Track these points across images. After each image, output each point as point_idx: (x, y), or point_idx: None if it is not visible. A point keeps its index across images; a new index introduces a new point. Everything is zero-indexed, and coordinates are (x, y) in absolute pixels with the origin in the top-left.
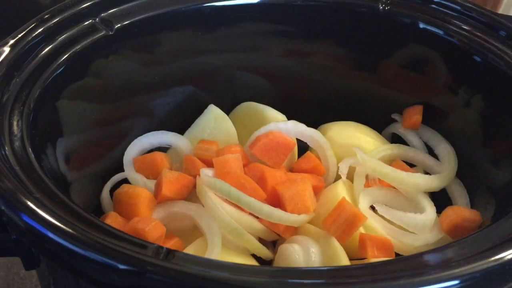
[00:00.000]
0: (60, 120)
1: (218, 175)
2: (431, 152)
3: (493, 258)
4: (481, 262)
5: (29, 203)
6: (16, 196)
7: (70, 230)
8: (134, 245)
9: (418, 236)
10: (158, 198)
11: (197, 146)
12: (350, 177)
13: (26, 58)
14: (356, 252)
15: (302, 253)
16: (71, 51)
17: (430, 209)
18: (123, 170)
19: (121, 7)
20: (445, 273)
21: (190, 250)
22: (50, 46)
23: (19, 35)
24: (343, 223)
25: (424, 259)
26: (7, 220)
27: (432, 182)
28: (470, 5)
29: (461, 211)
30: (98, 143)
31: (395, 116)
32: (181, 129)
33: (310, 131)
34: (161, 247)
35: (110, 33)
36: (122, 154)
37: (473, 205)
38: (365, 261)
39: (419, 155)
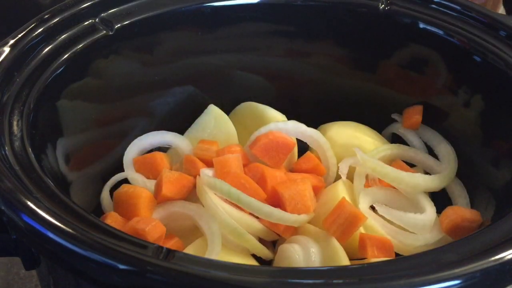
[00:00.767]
0: (60, 120)
1: (218, 175)
2: (431, 152)
3: (493, 258)
4: (481, 262)
5: (29, 203)
6: (16, 196)
7: (70, 230)
8: (134, 245)
9: (418, 236)
10: (158, 198)
11: (197, 146)
12: (350, 177)
13: (26, 58)
14: (356, 252)
15: (302, 253)
16: (71, 51)
17: (430, 209)
18: (123, 170)
19: (121, 7)
20: (445, 273)
21: (190, 250)
22: (50, 46)
23: (19, 35)
24: (343, 223)
25: (424, 259)
26: (7, 220)
27: (432, 182)
28: (470, 5)
29: (461, 211)
30: (98, 143)
31: (395, 116)
32: (181, 129)
33: (310, 131)
34: (161, 247)
35: (110, 33)
36: (122, 154)
37: (473, 205)
38: (365, 261)
39: (419, 155)
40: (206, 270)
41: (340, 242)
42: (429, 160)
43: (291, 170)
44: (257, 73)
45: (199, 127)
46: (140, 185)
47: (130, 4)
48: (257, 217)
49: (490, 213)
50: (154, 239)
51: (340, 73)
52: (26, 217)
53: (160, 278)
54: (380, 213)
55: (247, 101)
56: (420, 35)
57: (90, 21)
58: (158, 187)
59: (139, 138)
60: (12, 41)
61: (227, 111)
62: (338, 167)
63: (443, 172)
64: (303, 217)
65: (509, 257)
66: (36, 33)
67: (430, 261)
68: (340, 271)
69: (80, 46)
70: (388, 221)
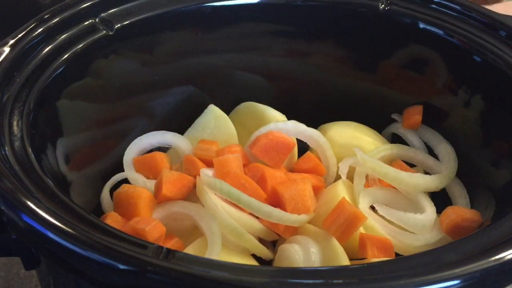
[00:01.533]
0: (60, 120)
1: (218, 175)
2: (431, 152)
3: (493, 258)
4: (481, 262)
5: (29, 203)
6: (16, 196)
7: (70, 230)
8: (134, 245)
9: (418, 236)
10: (158, 198)
11: (197, 146)
12: (350, 177)
13: (26, 58)
14: (356, 252)
15: (302, 253)
16: (71, 51)
17: (430, 209)
18: (123, 170)
19: (121, 7)
20: (445, 273)
21: (190, 250)
22: (50, 46)
23: (19, 35)
24: (343, 223)
25: (424, 259)
26: (7, 220)
27: (432, 182)
28: (470, 5)
29: (461, 211)
30: (98, 143)
31: (395, 116)
32: (181, 129)
33: (310, 131)
34: (161, 247)
35: (110, 33)
36: (122, 154)
37: (473, 205)
38: (365, 261)
39: (419, 155)
40: (206, 270)
41: (340, 242)
42: (429, 160)
43: (291, 170)
44: (257, 73)
45: (199, 127)
46: (140, 185)
47: (130, 4)
48: (257, 217)
49: (490, 213)
50: (154, 239)
51: (340, 73)
52: (26, 217)
53: (160, 278)
54: (380, 213)
55: (247, 101)
56: (420, 35)
57: (90, 21)
58: (158, 187)
59: (139, 138)
60: (12, 41)
61: (227, 111)
62: (338, 167)
63: (443, 172)
64: (303, 217)
65: (509, 257)
66: (36, 33)
67: (430, 261)
68: (340, 271)
69: (80, 46)
70: (388, 221)
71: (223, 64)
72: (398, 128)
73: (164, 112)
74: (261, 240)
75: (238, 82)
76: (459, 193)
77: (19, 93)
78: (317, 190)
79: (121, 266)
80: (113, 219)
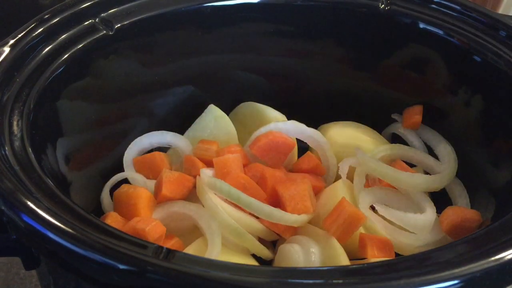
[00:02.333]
0: (60, 120)
1: (218, 175)
2: (431, 152)
3: (493, 258)
4: (481, 262)
5: (29, 203)
6: (16, 196)
7: (70, 230)
8: (134, 245)
9: (418, 236)
10: (158, 198)
11: (197, 146)
12: (350, 177)
13: (26, 58)
14: (356, 252)
15: (302, 253)
16: (71, 51)
17: (430, 209)
18: (123, 170)
19: (121, 7)
20: (445, 273)
21: (190, 250)
22: (50, 46)
23: (19, 35)
24: (343, 223)
25: (424, 259)
26: (7, 220)
27: (432, 182)
28: (470, 5)
29: (461, 211)
30: (98, 143)
31: (395, 116)
32: (181, 129)
33: (310, 131)
34: (161, 247)
35: (110, 33)
36: (122, 154)
37: (473, 205)
38: (365, 261)
39: (419, 155)
40: (206, 270)
41: (340, 242)
42: (429, 160)
43: (291, 170)
44: (257, 73)
45: (199, 127)
46: (140, 185)
47: (130, 4)
48: (257, 217)
49: (490, 213)
50: (154, 239)
51: (340, 73)
52: (26, 217)
53: (160, 278)
54: (380, 213)
55: (247, 101)
56: (420, 35)
57: (90, 21)
58: (158, 187)
59: (139, 138)
60: (12, 41)
61: (227, 111)
62: (338, 167)
63: (443, 172)
64: (303, 217)
65: (509, 257)
66: (36, 33)
67: (430, 261)
68: (340, 271)
69: (80, 46)
70: (388, 221)
71: (223, 64)
72: (398, 128)
73: (164, 112)
74: (261, 240)
75: (238, 82)
76: (459, 193)
77: (19, 93)
78: (317, 190)
79: (121, 266)
80: (113, 219)
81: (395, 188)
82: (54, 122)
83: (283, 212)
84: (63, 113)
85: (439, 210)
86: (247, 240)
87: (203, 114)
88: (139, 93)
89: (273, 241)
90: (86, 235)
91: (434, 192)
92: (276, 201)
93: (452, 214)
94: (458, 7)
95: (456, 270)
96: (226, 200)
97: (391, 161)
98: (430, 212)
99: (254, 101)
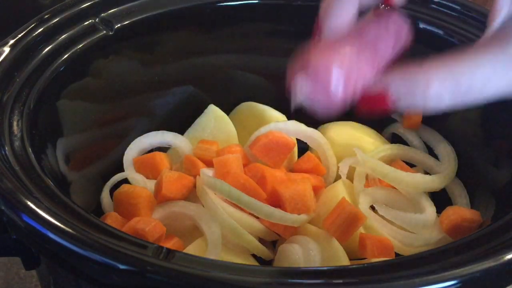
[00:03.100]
0: (60, 120)
1: (218, 175)
2: (431, 152)
3: (493, 258)
4: (481, 262)
5: (29, 203)
6: (16, 196)
7: (70, 230)
8: (134, 245)
9: (418, 236)
10: (158, 198)
11: (197, 146)
12: (350, 177)
13: (26, 58)
14: (356, 252)
15: (302, 253)
16: (71, 51)
17: (430, 209)
18: (123, 170)
19: (121, 7)
20: (445, 273)
21: (190, 250)
22: (50, 46)
23: (19, 35)
24: (343, 223)
25: (424, 259)
26: (7, 220)
27: (432, 182)
28: (470, 5)
29: (461, 211)
30: (98, 143)
31: (395, 116)
32: (181, 129)
33: (310, 131)
34: (161, 247)
35: (110, 33)
36: (122, 154)
37: (473, 205)
38: (365, 261)
39: (419, 155)
40: (206, 270)
41: (340, 242)
42: (429, 160)
43: (291, 170)
44: (257, 73)
45: (199, 127)
46: (140, 185)
47: (130, 4)
48: (257, 217)
49: (490, 213)
50: (154, 239)
51: None
52: (26, 217)
53: (160, 278)
54: (380, 213)
55: (247, 101)
56: (420, 35)
57: (90, 21)
58: (158, 187)
59: (139, 138)
60: (12, 41)
61: (227, 111)
62: (338, 167)
63: (443, 172)
64: (303, 217)
65: (509, 257)
66: (36, 33)
67: (430, 261)
68: (340, 271)
69: (80, 46)
70: (388, 221)
71: (223, 64)
72: (398, 128)
73: (164, 112)
74: (261, 240)
75: (238, 82)
76: (459, 193)
77: (19, 93)
78: (317, 190)
79: (121, 266)
80: (113, 219)
81: (395, 188)
82: (54, 122)
83: (283, 212)
84: (63, 113)
85: (439, 210)
86: (247, 240)
87: (203, 114)
88: (139, 93)
89: (273, 241)
90: (86, 235)
91: (434, 192)
92: (276, 201)
93: (452, 214)
94: (458, 7)
95: (456, 270)
96: (226, 200)
97: (391, 161)
98: (430, 212)
99: (254, 101)
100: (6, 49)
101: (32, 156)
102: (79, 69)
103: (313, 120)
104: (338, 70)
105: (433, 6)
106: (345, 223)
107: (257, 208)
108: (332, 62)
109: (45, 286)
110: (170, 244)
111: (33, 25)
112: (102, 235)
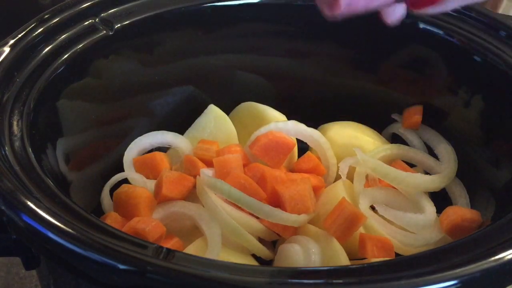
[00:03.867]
0: (60, 120)
1: (218, 175)
2: (431, 152)
3: (493, 258)
4: (481, 262)
5: (29, 203)
6: (16, 196)
7: (70, 230)
8: (134, 245)
9: (418, 236)
10: (158, 198)
11: (197, 146)
12: (350, 177)
13: (26, 58)
14: (356, 252)
15: (302, 253)
16: (71, 51)
17: (430, 209)
18: (123, 170)
19: (121, 7)
20: (445, 273)
21: (190, 250)
22: (50, 46)
23: (19, 35)
24: (343, 223)
25: (424, 259)
26: (7, 220)
27: (432, 182)
28: (470, 5)
29: (461, 211)
30: (98, 143)
31: (395, 116)
32: (181, 129)
33: (310, 131)
34: (161, 247)
35: (110, 33)
36: (122, 154)
37: (473, 205)
38: (365, 261)
39: (419, 155)
40: (206, 270)
41: (340, 242)
42: (429, 160)
43: (291, 170)
44: (257, 73)
45: (199, 127)
46: (140, 185)
47: (130, 4)
48: (257, 217)
49: (490, 213)
50: (154, 239)
51: (340, 73)
52: (26, 217)
53: (160, 278)
54: (380, 213)
55: (247, 101)
56: (420, 35)
57: (90, 21)
58: (158, 187)
59: (139, 138)
60: (12, 41)
61: (227, 111)
62: (338, 167)
63: (443, 172)
64: (303, 217)
65: (509, 257)
66: (36, 33)
67: (430, 261)
68: (340, 271)
69: (80, 46)
70: (388, 221)
71: (223, 64)
72: (398, 128)
73: (164, 112)
74: (261, 240)
75: (238, 82)
76: (459, 193)
77: (19, 93)
78: (317, 190)
79: (121, 266)
80: (113, 219)
81: (395, 188)
82: (54, 122)
83: (283, 212)
84: (63, 113)
85: (439, 210)
86: (247, 240)
87: (203, 114)
88: (139, 93)
89: (273, 241)
90: (86, 235)
91: (434, 192)
92: (276, 201)
93: (452, 214)
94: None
95: (456, 270)
96: (226, 200)
97: (391, 161)
98: (430, 212)
99: (254, 101)
100: (6, 49)
101: (32, 156)
102: (79, 69)
103: (313, 120)
104: None
105: None
106: (345, 223)
107: (257, 208)
108: None
109: (45, 286)
110: (170, 244)
111: (33, 25)
112: (102, 235)
